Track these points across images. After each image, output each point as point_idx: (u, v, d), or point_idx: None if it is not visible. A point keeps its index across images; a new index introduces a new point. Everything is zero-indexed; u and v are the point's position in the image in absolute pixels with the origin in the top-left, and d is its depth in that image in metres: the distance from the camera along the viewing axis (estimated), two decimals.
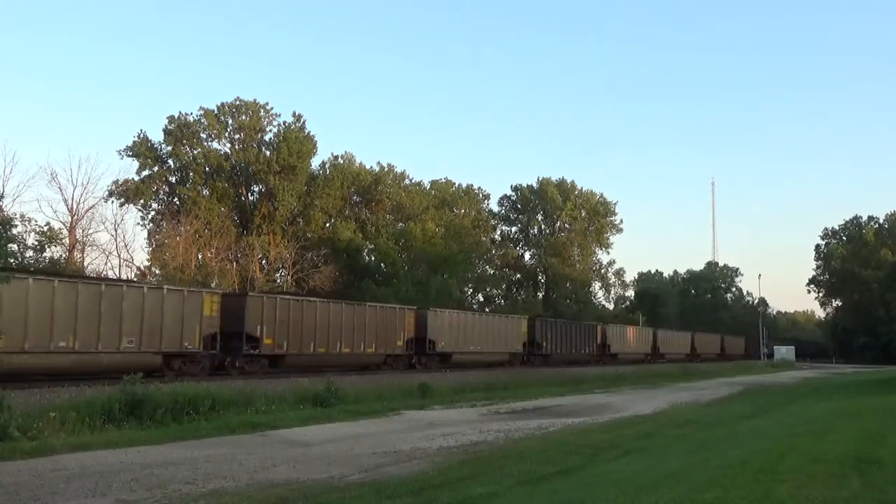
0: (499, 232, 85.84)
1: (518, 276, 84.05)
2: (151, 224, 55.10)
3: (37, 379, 19.19)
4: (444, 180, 75.24)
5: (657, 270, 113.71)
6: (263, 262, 54.47)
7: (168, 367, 22.92)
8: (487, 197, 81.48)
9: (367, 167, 65.41)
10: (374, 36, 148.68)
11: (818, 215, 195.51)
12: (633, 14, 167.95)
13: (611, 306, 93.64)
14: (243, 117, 57.99)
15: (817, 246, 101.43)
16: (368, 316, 31.08)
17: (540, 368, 39.08)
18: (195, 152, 57.12)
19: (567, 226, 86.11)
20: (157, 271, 43.64)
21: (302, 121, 59.91)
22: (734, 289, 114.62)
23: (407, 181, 69.57)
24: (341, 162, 64.08)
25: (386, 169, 67.02)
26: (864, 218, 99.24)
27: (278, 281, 52.52)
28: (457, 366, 34.69)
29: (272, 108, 59.33)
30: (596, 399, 26.35)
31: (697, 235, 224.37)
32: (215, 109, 57.17)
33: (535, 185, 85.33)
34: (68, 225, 41.48)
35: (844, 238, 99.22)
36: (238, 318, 25.39)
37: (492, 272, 77.47)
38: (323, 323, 28.69)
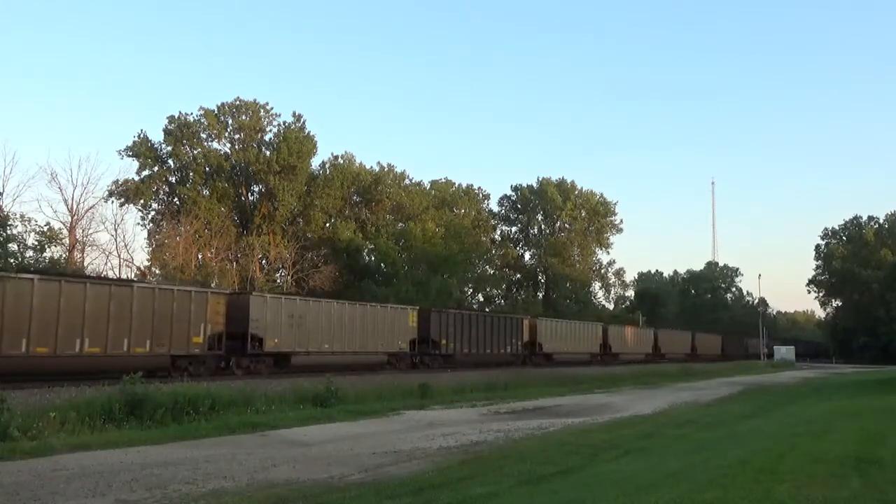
0: (499, 232, 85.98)
1: (518, 276, 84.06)
2: (151, 224, 55.17)
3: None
4: (444, 180, 75.37)
5: (657, 270, 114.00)
6: (263, 262, 54.47)
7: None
8: (487, 197, 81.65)
9: (367, 167, 65.53)
10: (375, 36, 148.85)
11: (818, 215, 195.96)
12: (633, 14, 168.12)
13: (611, 306, 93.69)
14: (243, 117, 58.00)
15: (817, 246, 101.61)
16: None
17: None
18: (195, 152, 57.12)
19: (567, 226, 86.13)
20: (157, 271, 43.66)
21: (302, 121, 60.01)
22: (734, 289, 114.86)
23: (407, 181, 69.63)
24: (341, 162, 64.10)
25: (386, 169, 67.08)
26: (864, 218, 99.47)
27: (278, 281, 52.50)
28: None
29: (272, 108, 59.47)
30: (596, 399, 26.33)
31: (697, 235, 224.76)
32: (215, 109, 57.24)
33: (535, 185, 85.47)
34: (68, 225, 41.54)
35: (844, 238, 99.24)
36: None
37: (492, 272, 77.48)
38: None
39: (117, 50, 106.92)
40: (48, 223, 39.44)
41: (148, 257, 48.22)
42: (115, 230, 45.31)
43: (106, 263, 43.12)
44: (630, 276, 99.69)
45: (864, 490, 7.69)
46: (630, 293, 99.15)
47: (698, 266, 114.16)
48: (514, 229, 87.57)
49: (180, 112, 56.83)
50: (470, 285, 71.63)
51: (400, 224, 64.57)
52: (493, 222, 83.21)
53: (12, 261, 33.73)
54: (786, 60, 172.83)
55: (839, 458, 9.87)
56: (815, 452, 10.50)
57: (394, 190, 66.12)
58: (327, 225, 60.74)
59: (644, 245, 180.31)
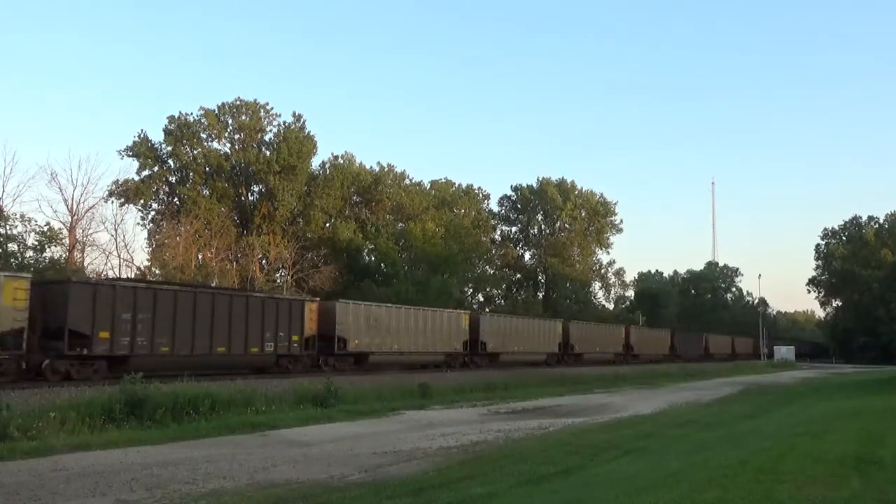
0: (499, 232, 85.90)
1: (518, 276, 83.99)
2: (151, 224, 55.11)
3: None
4: (444, 180, 75.29)
5: (657, 270, 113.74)
6: (263, 262, 54.44)
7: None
8: (487, 197, 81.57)
9: (367, 167, 65.47)
10: (374, 36, 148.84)
11: (818, 215, 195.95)
12: (633, 14, 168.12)
13: (611, 306, 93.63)
14: (243, 117, 57.97)
15: (817, 246, 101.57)
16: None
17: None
18: (195, 152, 57.10)
19: (567, 226, 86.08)
20: (157, 271, 43.63)
21: (302, 121, 59.96)
22: (734, 289, 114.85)
23: (407, 181, 69.57)
24: (341, 162, 64.06)
25: (386, 169, 67.04)
26: (864, 218, 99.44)
27: (278, 281, 52.49)
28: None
29: (272, 108, 59.40)
30: (596, 399, 26.33)
31: (697, 235, 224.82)
32: (215, 109, 57.19)
33: (535, 185, 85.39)
34: (68, 225, 41.47)
35: (844, 238, 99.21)
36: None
37: (492, 272, 77.39)
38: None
39: (117, 50, 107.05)
40: (48, 223, 39.45)
41: (148, 257, 48.23)
42: (115, 230, 45.21)
43: (106, 263, 43.13)
44: (630, 276, 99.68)
45: (864, 490, 7.69)
46: (630, 293, 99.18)
47: (698, 266, 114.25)
48: (514, 229, 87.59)
49: (180, 112, 56.90)
50: (470, 285, 71.58)
51: (400, 224, 64.52)
52: (493, 222, 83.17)
53: (12, 261, 33.74)
54: (786, 60, 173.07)
55: (839, 458, 9.87)
56: (815, 452, 10.50)
57: (394, 190, 66.08)
58: (327, 225, 60.72)
59: (644, 245, 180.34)
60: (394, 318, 32.17)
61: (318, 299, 30.68)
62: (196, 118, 56.67)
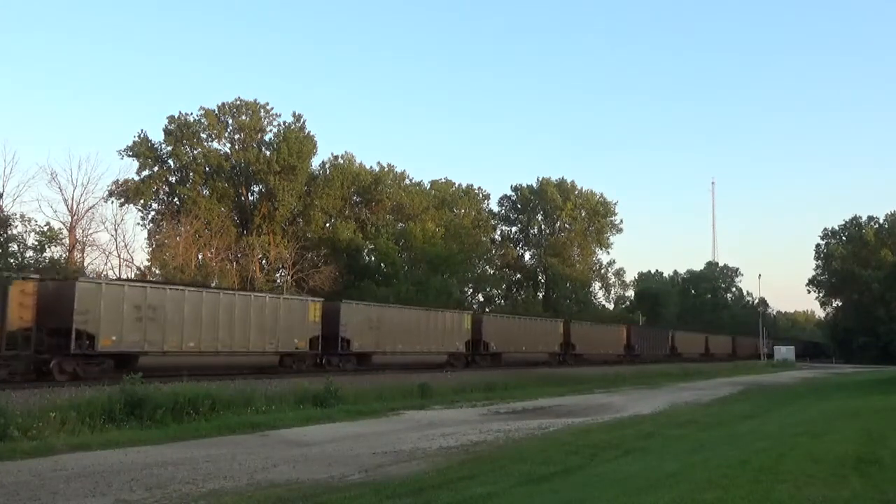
0: (499, 232, 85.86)
1: (518, 276, 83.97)
2: (151, 224, 55.11)
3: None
4: (444, 180, 75.28)
5: (657, 270, 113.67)
6: (263, 262, 54.44)
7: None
8: (487, 197, 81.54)
9: (367, 167, 65.46)
10: (375, 36, 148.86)
11: (818, 215, 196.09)
12: (633, 14, 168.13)
13: (611, 306, 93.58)
14: (243, 117, 57.96)
15: (817, 246, 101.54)
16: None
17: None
18: (195, 152, 57.08)
19: (567, 226, 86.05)
20: (157, 271, 43.63)
21: (302, 121, 59.96)
22: (734, 289, 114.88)
23: (407, 181, 69.55)
24: (341, 162, 64.05)
25: (386, 169, 67.01)
26: (864, 218, 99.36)
27: (278, 281, 52.49)
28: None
29: (272, 108, 59.41)
30: (596, 399, 26.32)
31: (697, 235, 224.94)
32: (215, 109, 57.19)
33: (535, 185, 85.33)
34: (68, 225, 41.49)
35: (844, 238, 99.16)
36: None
37: (492, 272, 77.37)
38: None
39: (117, 50, 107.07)
40: (48, 223, 39.42)
41: (148, 257, 48.24)
42: (115, 230, 45.26)
43: (106, 263, 43.15)
44: (630, 276, 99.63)
45: (864, 490, 7.69)
46: (630, 293, 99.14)
47: (698, 266, 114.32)
48: (514, 229, 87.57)
49: (180, 112, 56.89)
50: (470, 285, 71.57)
51: (400, 224, 64.51)
52: (493, 222, 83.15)
53: (12, 261, 33.72)
54: (786, 60, 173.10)
55: (839, 458, 9.87)
56: (815, 452, 10.50)
57: (394, 190, 66.06)
58: (327, 225, 60.71)
59: (644, 245, 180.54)
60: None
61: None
62: (196, 118, 56.74)
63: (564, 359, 46.11)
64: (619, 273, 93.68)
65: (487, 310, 62.66)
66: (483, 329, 37.90)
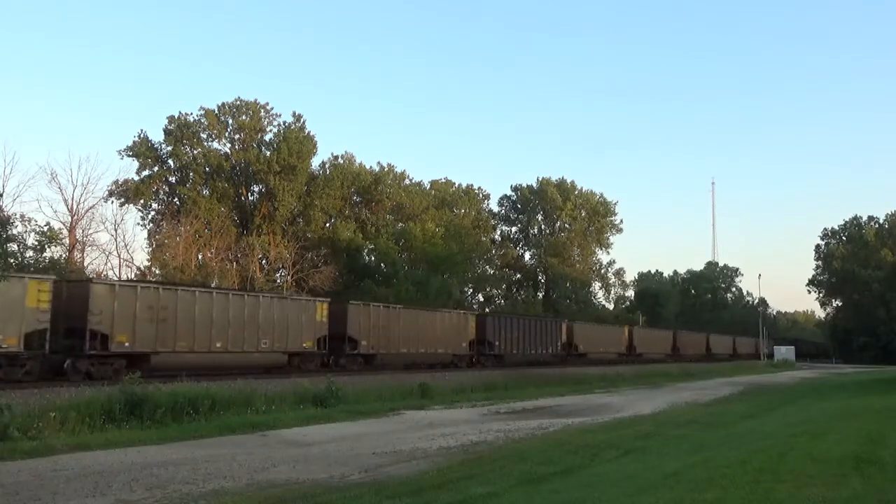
0: (499, 232, 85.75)
1: (518, 276, 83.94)
2: (151, 224, 55.03)
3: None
4: (444, 180, 75.18)
5: (657, 270, 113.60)
6: (263, 262, 54.41)
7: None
8: (487, 197, 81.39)
9: (367, 167, 65.35)
10: (374, 36, 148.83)
11: (818, 215, 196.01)
12: (634, 14, 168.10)
13: (611, 306, 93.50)
14: (243, 117, 57.91)
15: (817, 246, 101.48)
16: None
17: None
18: (195, 152, 57.05)
19: (567, 226, 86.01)
20: (157, 271, 43.63)
21: (302, 121, 59.88)
22: (734, 289, 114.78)
23: (407, 181, 69.45)
24: (341, 162, 64.00)
25: (386, 169, 66.94)
26: (864, 218, 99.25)
27: (278, 281, 52.46)
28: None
29: (272, 108, 59.28)
30: (596, 399, 26.33)
31: (697, 235, 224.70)
32: (215, 109, 57.10)
33: (535, 185, 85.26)
34: (68, 225, 41.45)
35: (844, 238, 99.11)
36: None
37: (492, 272, 77.34)
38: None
39: (117, 50, 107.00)
40: (48, 223, 39.20)
41: (148, 257, 48.20)
42: (115, 230, 45.19)
43: (106, 263, 43.12)
44: (630, 276, 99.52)
45: (864, 490, 7.69)
46: (630, 293, 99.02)
47: (698, 266, 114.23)
48: (514, 229, 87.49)
49: (180, 112, 56.77)
50: (470, 285, 71.54)
51: (400, 224, 64.47)
52: (493, 222, 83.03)
53: (12, 261, 33.64)
54: (786, 60, 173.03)
55: (839, 458, 9.87)
56: (815, 452, 10.50)
57: (394, 190, 66.01)
58: (327, 225, 60.67)
59: (644, 245, 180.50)
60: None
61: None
62: (196, 118, 56.65)
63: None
64: (619, 273, 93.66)
65: (487, 309, 62.81)
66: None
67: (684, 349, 65.61)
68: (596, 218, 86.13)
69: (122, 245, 44.45)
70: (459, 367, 35.33)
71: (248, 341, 25.38)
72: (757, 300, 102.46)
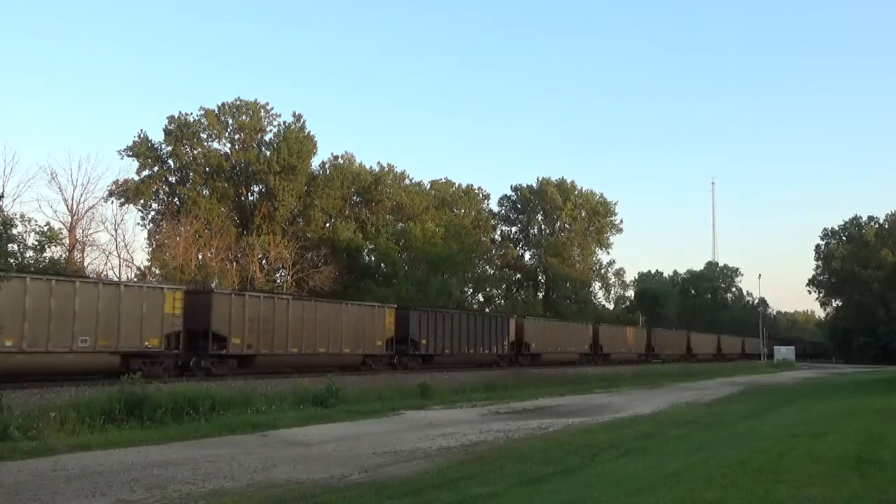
0: (499, 232, 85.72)
1: (518, 276, 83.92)
2: (151, 224, 55.02)
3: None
4: (444, 180, 75.13)
5: (657, 270, 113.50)
6: (263, 262, 54.41)
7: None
8: (487, 197, 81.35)
9: (367, 167, 65.33)
10: (374, 36, 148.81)
11: (818, 215, 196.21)
12: (634, 14, 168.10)
13: (611, 306, 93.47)
14: (243, 117, 57.90)
15: (817, 246, 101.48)
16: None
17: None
18: (195, 152, 57.04)
19: (567, 226, 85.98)
20: (157, 271, 43.63)
21: (302, 121, 59.86)
22: (734, 289, 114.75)
23: (407, 181, 69.43)
24: (341, 162, 63.98)
25: (386, 169, 66.91)
26: (864, 218, 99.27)
27: (278, 281, 52.48)
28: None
29: (272, 108, 59.27)
30: (596, 399, 26.32)
31: (697, 235, 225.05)
32: (215, 109, 57.09)
33: (535, 185, 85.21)
34: (68, 225, 41.46)
35: (844, 238, 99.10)
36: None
37: (492, 272, 77.32)
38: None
39: (117, 50, 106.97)
40: (48, 223, 39.25)
41: (148, 257, 48.20)
42: (115, 230, 45.15)
43: (106, 263, 43.11)
44: (630, 276, 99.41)
45: (864, 490, 7.69)
46: (630, 293, 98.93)
47: (698, 266, 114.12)
48: (514, 229, 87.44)
49: (180, 112, 56.76)
50: (470, 285, 71.53)
51: (400, 224, 64.44)
52: (493, 222, 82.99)
53: (12, 261, 33.66)
54: (786, 60, 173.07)
55: (839, 458, 9.87)
56: (815, 452, 10.50)
57: (394, 190, 65.99)
58: (327, 225, 60.66)
59: (644, 245, 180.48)
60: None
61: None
62: (196, 118, 56.64)
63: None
64: (619, 273, 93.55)
65: (486, 308, 63.13)
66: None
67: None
68: (596, 218, 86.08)
69: (122, 245, 44.48)
70: (375, 369, 30.80)
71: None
72: (757, 300, 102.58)
